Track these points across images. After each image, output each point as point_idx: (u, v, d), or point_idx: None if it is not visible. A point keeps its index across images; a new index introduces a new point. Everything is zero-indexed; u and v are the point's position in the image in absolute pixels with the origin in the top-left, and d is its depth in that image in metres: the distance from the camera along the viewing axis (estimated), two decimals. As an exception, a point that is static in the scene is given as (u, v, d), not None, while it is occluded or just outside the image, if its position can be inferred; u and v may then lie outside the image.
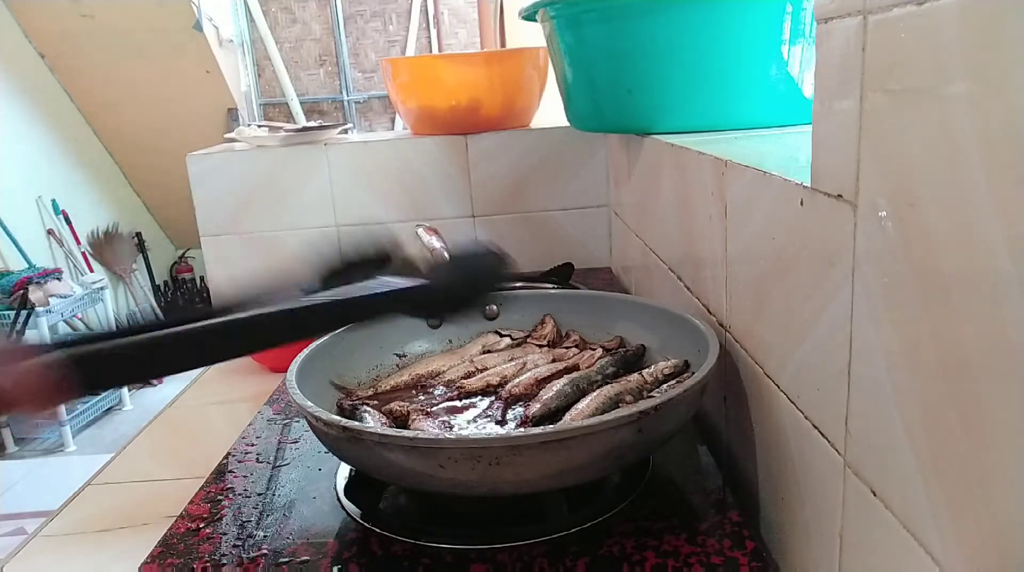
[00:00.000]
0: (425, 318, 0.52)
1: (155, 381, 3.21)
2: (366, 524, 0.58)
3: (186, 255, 4.18)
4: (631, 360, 0.74)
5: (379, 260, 0.51)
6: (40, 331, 2.55)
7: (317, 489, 0.64)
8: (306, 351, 0.68)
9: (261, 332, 0.45)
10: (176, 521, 0.60)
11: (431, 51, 3.80)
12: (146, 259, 3.93)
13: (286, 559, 0.55)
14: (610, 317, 0.80)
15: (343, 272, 0.49)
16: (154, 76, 3.29)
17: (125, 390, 3.03)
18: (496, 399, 0.69)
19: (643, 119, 0.89)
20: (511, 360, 0.76)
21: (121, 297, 3.71)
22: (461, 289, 0.51)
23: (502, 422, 0.65)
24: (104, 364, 0.40)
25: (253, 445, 0.74)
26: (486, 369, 0.75)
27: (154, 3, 3.05)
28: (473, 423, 0.66)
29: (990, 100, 0.28)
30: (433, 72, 1.42)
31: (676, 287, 0.84)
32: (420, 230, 1.00)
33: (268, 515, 0.61)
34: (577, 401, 0.65)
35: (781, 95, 0.82)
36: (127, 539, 1.19)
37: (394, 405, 0.68)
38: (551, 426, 0.52)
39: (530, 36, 1.47)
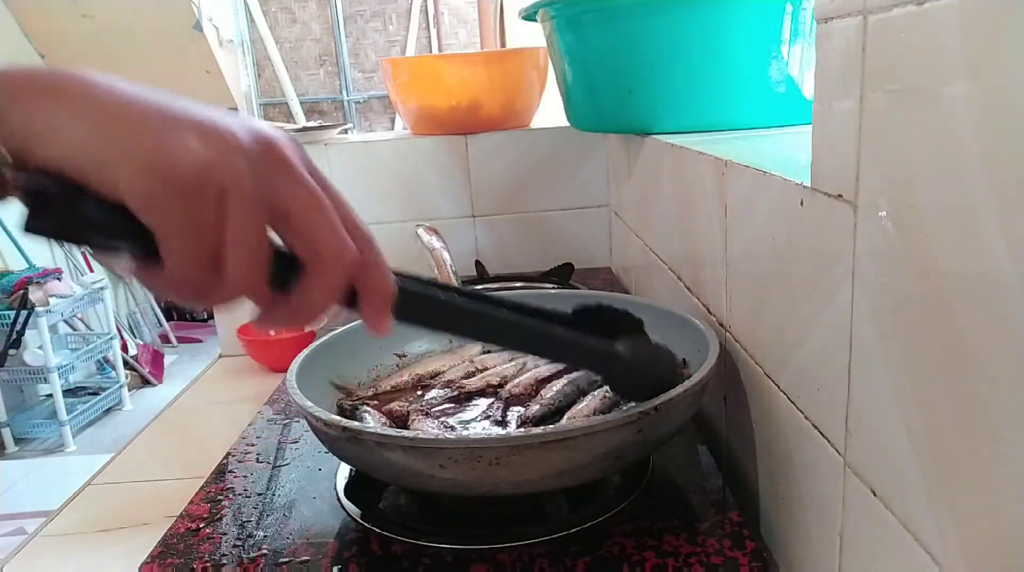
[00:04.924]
0: (611, 385, 0.54)
1: (158, 372, 3.20)
2: (366, 524, 0.58)
3: (186, 255, 4.18)
4: (631, 360, 0.74)
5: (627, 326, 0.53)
6: (40, 331, 2.55)
7: (317, 489, 0.64)
8: (306, 351, 0.68)
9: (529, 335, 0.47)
10: (176, 521, 0.60)
11: (431, 51, 3.80)
12: (146, 259, 3.93)
13: (286, 559, 0.55)
14: (610, 317, 0.80)
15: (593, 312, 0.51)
16: (154, 76, 3.28)
17: (125, 390, 3.03)
18: (496, 399, 0.69)
19: (643, 119, 0.89)
20: (511, 360, 0.76)
21: (121, 297, 3.71)
22: (647, 381, 0.53)
23: (502, 422, 0.65)
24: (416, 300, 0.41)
25: (253, 445, 0.74)
26: (486, 369, 0.75)
27: (154, 3, 3.05)
28: (473, 423, 0.66)
29: (990, 100, 0.28)
30: (433, 72, 1.42)
31: (676, 287, 0.84)
32: (420, 230, 1.00)
33: (268, 515, 0.61)
34: (577, 401, 0.65)
35: (781, 95, 0.82)
36: (127, 539, 1.19)
37: (394, 405, 0.68)
38: (551, 426, 0.52)
39: (530, 36, 1.47)
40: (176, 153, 0.28)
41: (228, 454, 0.72)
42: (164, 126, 0.28)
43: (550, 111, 1.43)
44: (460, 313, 0.44)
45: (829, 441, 0.45)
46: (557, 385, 0.68)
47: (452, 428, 0.64)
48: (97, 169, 0.27)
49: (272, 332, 0.36)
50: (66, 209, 0.28)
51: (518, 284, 1.23)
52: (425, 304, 0.41)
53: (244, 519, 0.60)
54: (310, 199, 0.32)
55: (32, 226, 0.28)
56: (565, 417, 0.63)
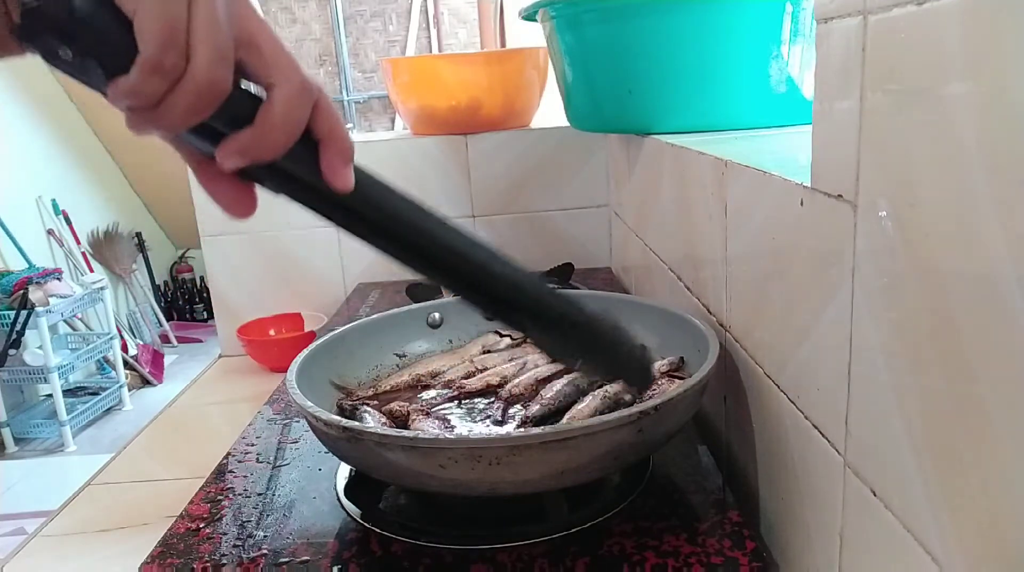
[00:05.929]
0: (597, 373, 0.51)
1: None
2: (366, 524, 0.58)
3: (186, 255, 4.18)
4: (631, 360, 0.74)
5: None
6: (40, 331, 2.55)
7: (317, 489, 0.64)
8: (306, 351, 0.68)
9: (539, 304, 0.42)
10: (176, 521, 0.60)
11: (431, 51, 3.80)
12: (146, 259, 3.93)
13: (286, 559, 0.55)
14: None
15: None
16: (154, 76, 3.28)
17: (125, 390, 3.03)
18: (496, 399, 0.69)
19: (643, 119, 0.89)
20: (511, 360, 0.76)
21: (121, 297, 3.71)
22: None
23: (502, 422, 0.65)
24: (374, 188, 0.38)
25: (253, 445, 0.74)
26: (486, 369, 0.75)
27: (154, 3, 3.04)
28: (473, 423, 0.66)
29: (990, 100, 0.28)
30: (433, 72, 1.42)
31: (676, 287, 0.84)
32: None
33: (268, 515, 0.61)
34: (577, 401, 0.65)
35: (781, 95, 0.82)
36: (127, 539, 1.19)
37: (394, 405, 0.68)
38: (551, 426, 0.52)
39: (530, 36, 1.47)
40: None
41: (228, 454, 0.72)
42: None
43: (550, 111, 1.43)
44: (417, 216, 0.39)
45: (829, 441, 0.45)
46: (557, 385, 0.68)
47: (452, 428, 0.64)
48: None
49: (235, 165, 0.32)
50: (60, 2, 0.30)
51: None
52: (381, 189, 0.38)
53: (244, 519, 0.60)
54: (273, 34, 0.35)
55: (27, 21, 0.31)
56: (565, 417, 0.63)
